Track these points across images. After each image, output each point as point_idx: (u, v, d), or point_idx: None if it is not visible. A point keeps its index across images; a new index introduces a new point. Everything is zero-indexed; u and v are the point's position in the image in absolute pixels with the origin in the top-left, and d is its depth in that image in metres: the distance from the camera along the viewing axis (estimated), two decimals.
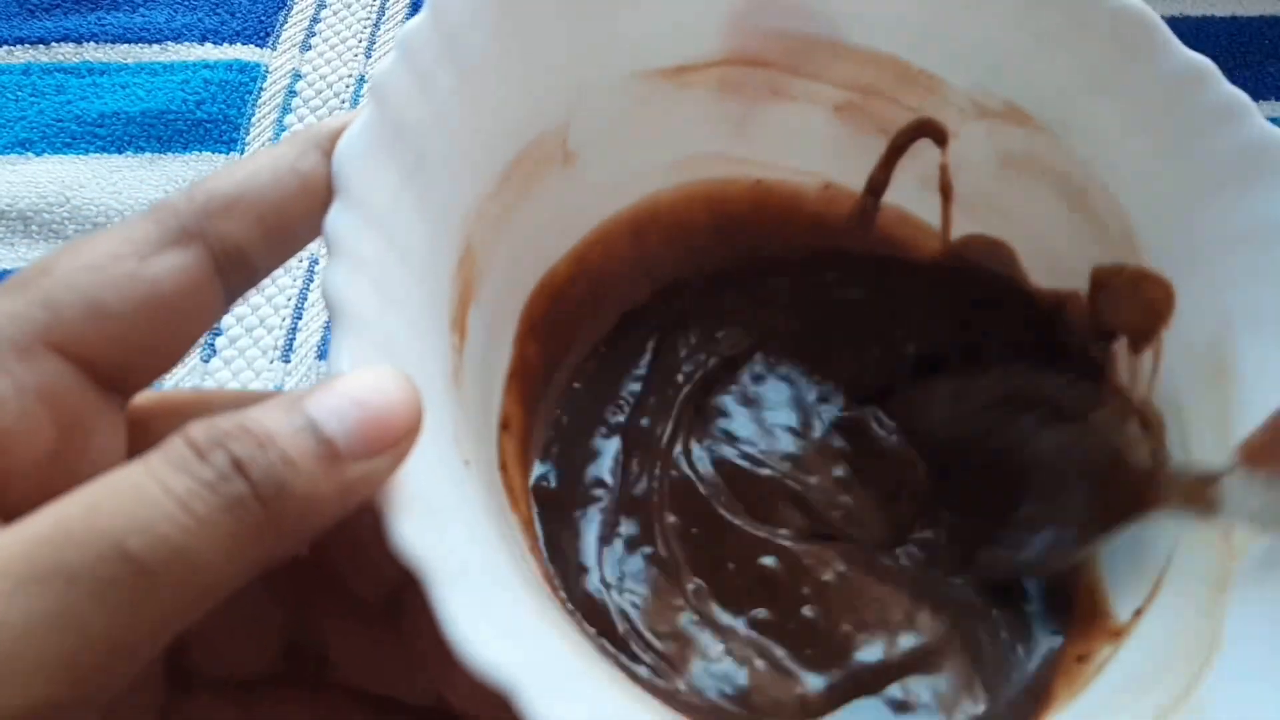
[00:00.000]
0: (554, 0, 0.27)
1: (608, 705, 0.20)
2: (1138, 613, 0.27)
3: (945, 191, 0.32)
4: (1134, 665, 0.26)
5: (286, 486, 0.17)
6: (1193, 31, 0.28)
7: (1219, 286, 0.27)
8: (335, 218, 0.21)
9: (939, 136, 0.31)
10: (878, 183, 0.32)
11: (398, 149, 0.22)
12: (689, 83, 0.30)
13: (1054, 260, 0.31)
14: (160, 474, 0.17)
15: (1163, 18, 0.28)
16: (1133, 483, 0.27)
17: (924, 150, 0.32)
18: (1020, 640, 0.28)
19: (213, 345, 0.38)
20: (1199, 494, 0.25)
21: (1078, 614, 0.28)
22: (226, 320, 0.38)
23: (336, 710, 0.23)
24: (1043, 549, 0.28)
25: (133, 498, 0.16)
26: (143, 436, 0.20)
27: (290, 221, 0.21)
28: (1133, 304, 0.29)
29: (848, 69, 0.31)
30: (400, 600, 0.22)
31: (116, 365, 0.19)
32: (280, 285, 0.39)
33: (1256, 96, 0.29)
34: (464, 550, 0.19)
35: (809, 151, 0.32)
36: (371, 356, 0.20)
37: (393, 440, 0.18)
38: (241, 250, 0.20)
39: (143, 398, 0.21)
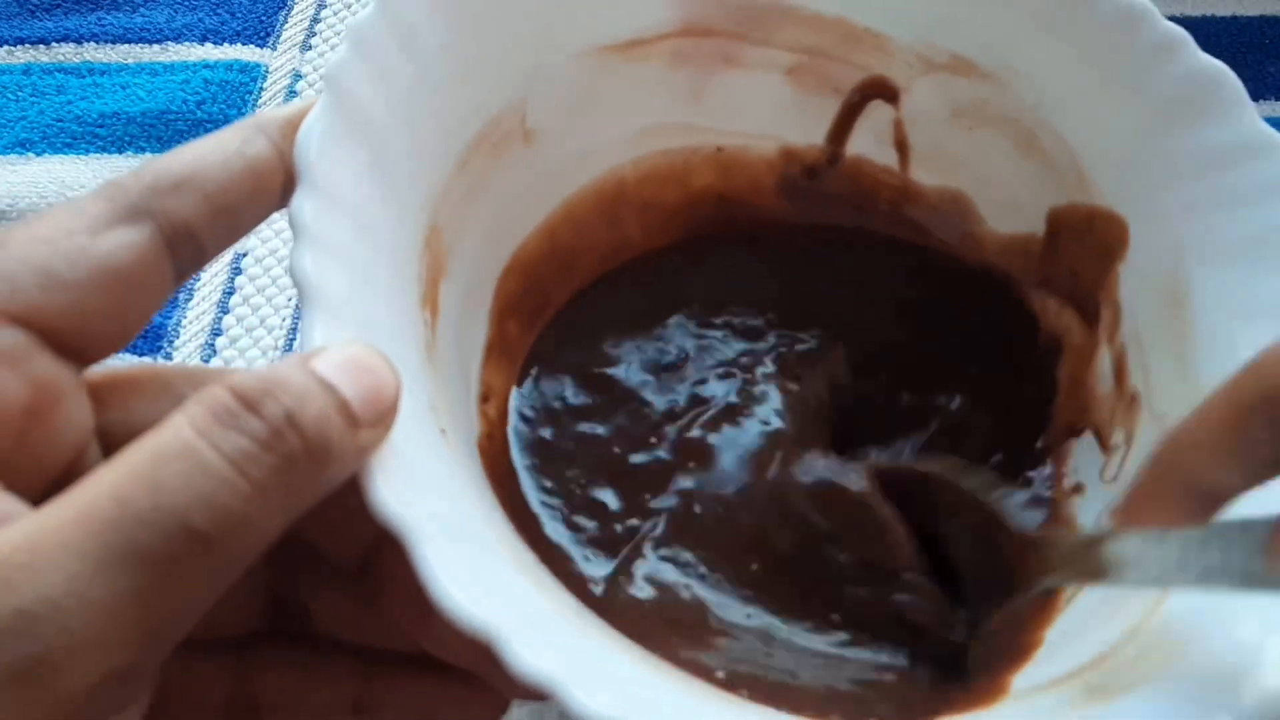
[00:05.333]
0: None
1: (584, 650, 0.20)
2: None
3: (901, 146, 0.33)
4: (1107, 590, 0.26)
5: (330, 443, 0.18)
6: (1192, 31, 0.28)
7: (1170, 218, 0.28)
8: (299, 203, 0.21)
9: (890, 94, 0.32)
10: (836, 143, 0.33)
11: (357, 134, 0.23)
12: (642, 56, 0.31)
13: (1011, 205, 0.32)
14: (210, 433, 0.17)
15: (1164, 18, 0.28)
16: (1018, 553, 0.26)
17: (878, 107, 0.32)
18: None
19: (213, 345, 0.38)
20: (1086, 559, 0.24)
21: None
22: (226, 320, 0.38)
23: (323, 662, 0.24)
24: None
25: (190, 467, 0.17)
26: (102, 409, 0.21)
27: (236, 203, 0.21)
28: (1088, 242, 0.30)
29: (795, 32, 0.31)
30: (373, 559, 0.23)
31: (72, 334, 0.20)
32: (280, 285, 0.39)
33: (1256, 96, 0.29)
34: (442, 511, 0.20)
35: (765, 116, 0.33)
36: (344, 334, 0.20)
37: (387, 409, 0.19)
38: (190, 229, 0.20)
39: (96, 372, 0.21)
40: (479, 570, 0.20)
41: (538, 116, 0.30)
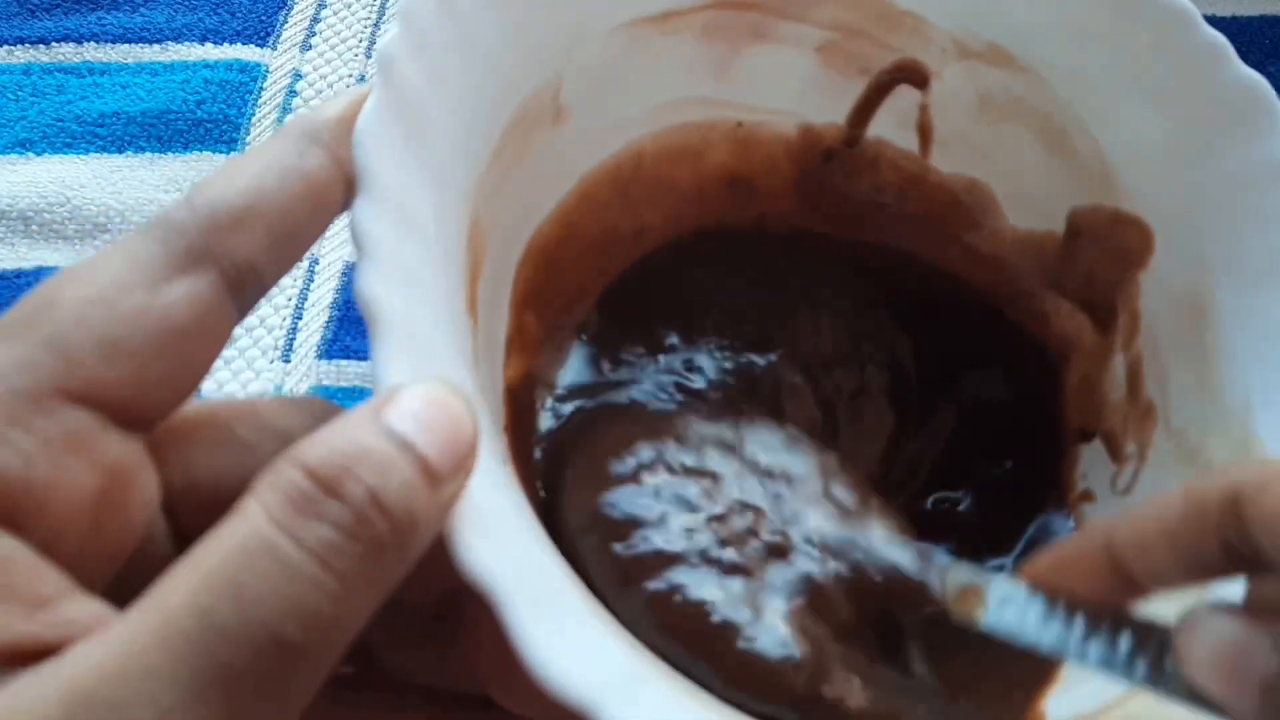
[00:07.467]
0: None
1: (682, 712, 0.20)
2: None
3: (924, 131, 0.32)
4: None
5: (417, 515, 0.17)
6: None
7: (1199, 230, 0.27)
8: (362, 214, 0.20)
9: (919, 79, 0.31)
10: (858, 125, 0.32)
11: (410, 128, 0.21)
12: (674, 28, 0.30)
13: (1032, 201, 0.31)
14: (290, 525, 0.16)
15: (1206, 24, 0.28)
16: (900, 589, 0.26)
17: (902, 92, 0.32)
18: None
19: None
20: (965, 601, 0.24)
21: None
22: None
23: (385, 702, 0.23)
24: None
25: (273, 568, 0.16)
26: (160, 465, 0.20)
27: (298, 229, 0.20)
28: (1109, 246, 0.29)
29: (830, 9, 0.31)
30: (450, 609, 0.22)
31: (137, 404, 0.18)
32: (280, 285, 0.39)
33: None
34: (524, 564, 0.19)
35: (789, 93, 0.32)
36: (415, 364, 0.19)
37: (466, 454, 0.18)
38: (253, 266, 0.19)
39: None
40: (570, 629, 0.19)
41: (572, 93, 0.29)
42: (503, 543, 0.19)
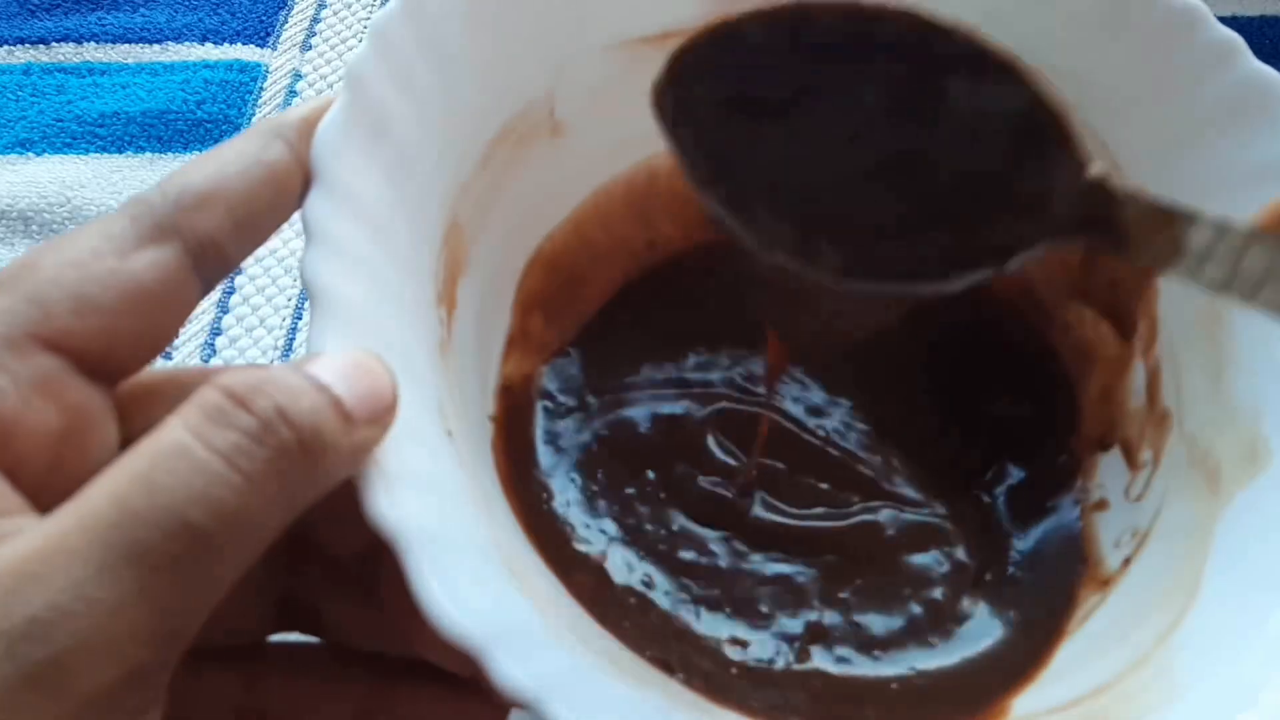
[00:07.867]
0: None
1: (572, 666, 0.20)
2: (1126, 562, 0.27)
3: None
4: (1119, 612, 0.26)
5: (324, 437, 0.18)
6: None
7: None
8: (313, 204, 0.21)
9: None
10: None
11: (374, 132, 0.23)
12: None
13: None
14: (203, 432, 0.17)
15: (1218, 22, 0.28)
16: (1069, 190, 0.21)
17: None
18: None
19: (213, 345, 0.38)
20: (1157, 230, 0.19)
21: None
22: (226, 320, 0.38)
23: (332, 672, 0.24)
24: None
25: (184, 466, 0.17)
26: (125, 420, 0.21)
27: (259, 213, 0.21)
28: None
29: None
30: (373, 558, 0.23)
31: (103, 357, 0.20)
32: (280, 285, 0.39)
33: None
34: (438, 519, 0.20)
35: None
36: (352, 337, 0.20)
37: (384, 409, 0.19)
38: (215, 243, 0.21)
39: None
40: (472, 580, 0.20)
41: (566, 109, 0.29)
42: (418, 499, 0.20)
